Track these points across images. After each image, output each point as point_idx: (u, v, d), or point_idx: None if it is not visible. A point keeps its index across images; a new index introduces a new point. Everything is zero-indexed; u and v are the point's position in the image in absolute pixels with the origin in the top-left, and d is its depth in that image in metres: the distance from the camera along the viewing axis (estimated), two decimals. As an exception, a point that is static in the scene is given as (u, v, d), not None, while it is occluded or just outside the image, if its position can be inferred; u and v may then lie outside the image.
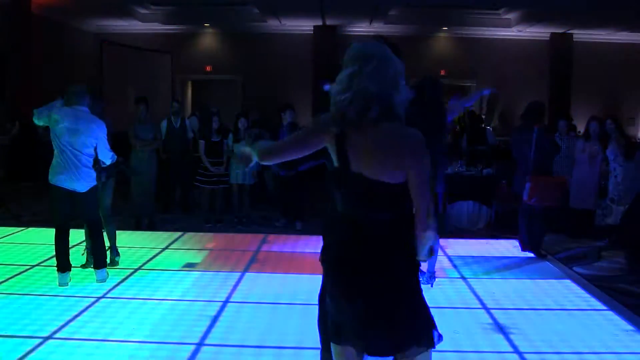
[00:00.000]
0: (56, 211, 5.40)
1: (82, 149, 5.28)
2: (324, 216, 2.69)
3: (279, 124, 8.55)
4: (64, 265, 5.36)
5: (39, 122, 5.39)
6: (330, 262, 2.51)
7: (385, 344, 2.42)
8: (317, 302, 3.26)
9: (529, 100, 7.10)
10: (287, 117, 8.43)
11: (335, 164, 2.45)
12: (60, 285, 5.33)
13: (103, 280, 5.46)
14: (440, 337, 2.48)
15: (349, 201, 2.44)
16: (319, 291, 3.18)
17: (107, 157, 5.53)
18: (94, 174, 5.42)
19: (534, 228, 6.75)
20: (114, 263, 6.01)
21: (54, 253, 5.41)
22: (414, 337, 2.42)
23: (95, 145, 5.36)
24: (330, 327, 2.55)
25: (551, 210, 6.93)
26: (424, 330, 2.44)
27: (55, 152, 5.28)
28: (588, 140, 7.89)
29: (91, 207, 5.49)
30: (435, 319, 2.51)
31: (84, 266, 5.85)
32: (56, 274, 5.39)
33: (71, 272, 5.44)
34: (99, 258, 5.51)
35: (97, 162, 5.51)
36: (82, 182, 5.32)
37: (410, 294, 2.45)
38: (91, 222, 5.54)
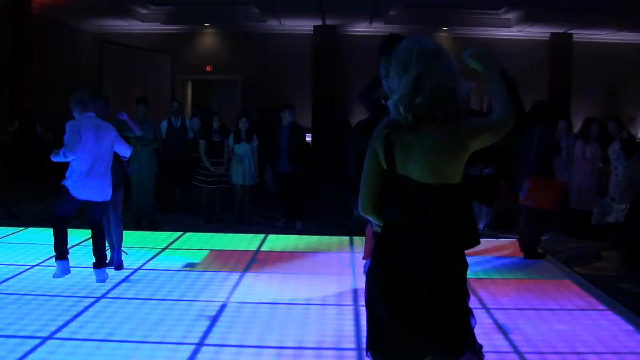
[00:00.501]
0: (63, 208, 5.42)
1: (107, 154, 5.42)
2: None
3: (279, 124, 8.55)
4: (63, 253, 5.40)
5: (76, 148, 5.19)
6: (384, 275, 2.30)
7: (423, 345, 2.29)
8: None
9: (528, 100, 7.06)
10: (287, 117, 8.43)
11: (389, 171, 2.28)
12: (60, 274, 5.36)
13: (103, 281, 5.46)
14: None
15: (405, 209, 2.26)
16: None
17: (127, 150, 5.71)
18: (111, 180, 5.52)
19: (532, 228, 6.74)
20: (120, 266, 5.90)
21: (53, 243, 5.42)
22: (449, 341, 2.27)
23: (113, 148, 5.51)
24: (378, 339, 2.33)
25: (549, 212, 6.92)
26: (458, 338, 2.29)
27: (77, 163, 5.25)
28: (588, 142, 7.88)
29: (103, 211, 5.58)
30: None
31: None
32: (56, 269, 5.40)
33: (70, 273, 5.45)
34: (99, 258, 5.51)
35: (116, 164, 5.59)
36: (109, 191, 5.46)
37: (459, 302, 2.30)
38: (97, 224, 5.56)
